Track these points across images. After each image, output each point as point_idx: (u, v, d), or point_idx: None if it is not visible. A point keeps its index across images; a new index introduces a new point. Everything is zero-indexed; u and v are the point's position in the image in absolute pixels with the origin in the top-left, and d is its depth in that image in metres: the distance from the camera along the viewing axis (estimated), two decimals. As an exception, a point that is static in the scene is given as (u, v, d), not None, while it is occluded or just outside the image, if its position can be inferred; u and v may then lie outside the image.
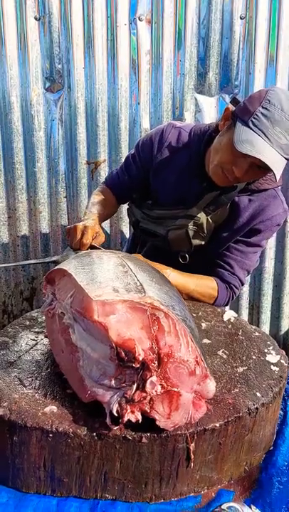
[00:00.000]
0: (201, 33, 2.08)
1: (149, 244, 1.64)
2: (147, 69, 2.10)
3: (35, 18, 1.97)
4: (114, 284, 0.94)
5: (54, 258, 1.51)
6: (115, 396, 0.84)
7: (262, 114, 1.23)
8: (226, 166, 1.33)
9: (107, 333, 0.84)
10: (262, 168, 1.28)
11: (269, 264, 2.42)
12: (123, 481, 0.89)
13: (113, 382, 0.84)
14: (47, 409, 0.89)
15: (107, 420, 0.84)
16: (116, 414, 0.83)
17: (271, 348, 1.16)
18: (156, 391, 0.83)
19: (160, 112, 2.15)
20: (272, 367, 1.07)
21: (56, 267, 1.06)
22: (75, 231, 1.37)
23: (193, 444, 0.88)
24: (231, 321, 1.28)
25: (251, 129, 1.24)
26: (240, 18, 2.06)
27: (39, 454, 0.88)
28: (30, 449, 0.88)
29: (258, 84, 2.16)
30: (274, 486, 0.98)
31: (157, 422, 0.85)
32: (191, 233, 1.48)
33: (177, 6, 2.04)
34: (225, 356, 1.10)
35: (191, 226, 1.48)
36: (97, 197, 1.64)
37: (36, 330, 1.19)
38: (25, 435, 0.87)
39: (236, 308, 2.46)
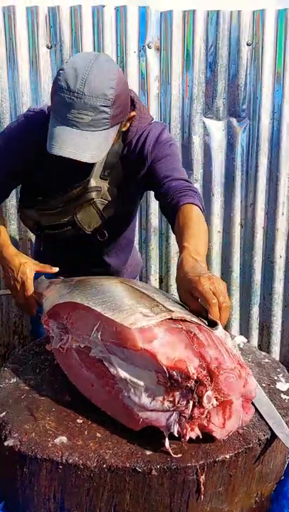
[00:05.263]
0: (208, 58, 2.12)
1: (60, 241, 1.51)
2: (156, 94, 2.14)
3: (47, 47, 2.02)
4: (140, 310, 0.95)
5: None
6: (172, 417, 0.86)
7: (57, 101, 1.19)
8: None
9: (155, 359, 0.85)
10: None
11: (278, 285, 2.41)
12: (133, 513, 0.89)
13: (166, 404, 0.86)
14: (57, 441, 0.90)
15: (166, 444, 0.86)
16: (176, 435, 0.86)
17: (281, 375, 1.15)
18: (212, 404, 0.86)
19: (169, 136, 2.19)
20: (282, 395, 1.07)
21: (61, 301, 1.07)
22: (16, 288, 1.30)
23: (203, 476, 0.88)
24: (241, 346, 1.28)
25: (55, 118, 1.20)
26: (247, 45, 2.11)
27: (49, 486, 0.88)
28: (40, 481, 0.88)
29: (265, 108, 2.19)
30: (286, 518, 0.97)
31: (214, 434, 0.87)
32: (100, 206, 1.42)
33: (185, 33, 2.09)
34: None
35: (97, 199, 1.41)
36: None
37: (47, 357, 1.20)
38: (35, 467, 0.87)
39: (246, 330, 2.45)
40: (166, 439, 0.87)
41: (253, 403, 1.02)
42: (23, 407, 0.99)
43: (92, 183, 1.40)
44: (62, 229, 1.46)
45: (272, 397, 1.05)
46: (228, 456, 0.89)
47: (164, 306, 0.97)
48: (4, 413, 0.97)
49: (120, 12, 2.04)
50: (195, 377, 0.85)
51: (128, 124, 1.37)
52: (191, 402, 0.85)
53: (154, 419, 0.88)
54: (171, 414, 0.86)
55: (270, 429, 0.95)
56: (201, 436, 0.87)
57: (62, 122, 1.19)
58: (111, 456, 0.86)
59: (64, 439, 0.91)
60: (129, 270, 1.68)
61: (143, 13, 2.05)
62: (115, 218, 1.46)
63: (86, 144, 1.19)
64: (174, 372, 0.84)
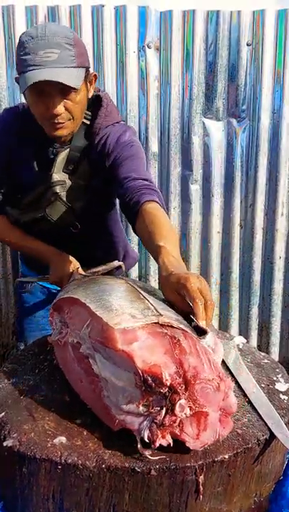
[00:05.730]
0: (208, 58, 2.13)
1: (42, 236, 1.57)
2: (156, 94, 2.15)
3: (47, 47, 2.02)
4: (130, 311, 0.95)
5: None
6: (145, 422, 0.85)
7: (22, 55, 1.25)
8: (43, 114, 1.33)
9: (132, 361, 0.85)
10: (66, 91, 1.29)
11: (278, 286, 2.41)
12: (132, 513, 0.89)
13: (140, 408, 0.85)
14: (56, 441, 0.90)
15: (139, 447, 0.85)
16: (147, 440, 0.84)
17: (280, 375, 1.15)
18: (185, 414, 0.84)
19: (168, 136, 2.19)
20: (281, 396, 1.07)
21: (65, 296, 1.07)
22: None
23: (202, 477, 0.88)
24: (240, 347, 1.28)
25: (24, 72, 1.25)
26: (247, 45, 2.11)
27: (48, 486, 0.88)
28: (39, 481, 0.88)
29: (265, 109, 2.19)
30: (284, 517, 0.97)
31: (187, 444, 0.85)
32: (67, 199, 1.47)
33: (185, 33, 2.09)
34: (233, 384, 1.10)
35: (62, 193, 1.46)
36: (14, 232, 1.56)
37: (47, 357, 1.20)
38: (34, 467, 0.87)
39: (246, 330, 2.45)
40: (139, 443, 0.85)
41: (252, 403, 1.02)
42: (22, 407, 0.99)
43: (55, 177, 1.45)
44: (39, 224, 1.52)
45: (271, 397, 1.05)
46: (227, 456, 0.89)
47: (156, 310, 0.96)
48: (3, 413, 0.97)
49: (120, 12, 2.04)
50: (168, 384, 0.83)
51: (92, 90, 1.40)
52: (164, 409, 0.84)
53: (128, 421, 0.86)
54: (145, 419, 0.85)
55: (269, 429, 0.95)
56: (172, 445, 0.85)
57: (31, 69, 1.24)
58: (110, 456, 0.86)
59: (63, 439, 0.91)
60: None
61: (143, 13, 2.05)
62: (87, 210, 1.51)
63: (57, 74, 1.24)
64: (148, 377, 0.83)
